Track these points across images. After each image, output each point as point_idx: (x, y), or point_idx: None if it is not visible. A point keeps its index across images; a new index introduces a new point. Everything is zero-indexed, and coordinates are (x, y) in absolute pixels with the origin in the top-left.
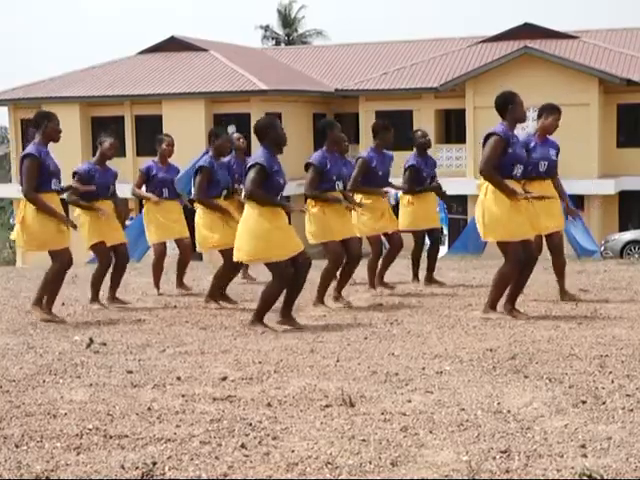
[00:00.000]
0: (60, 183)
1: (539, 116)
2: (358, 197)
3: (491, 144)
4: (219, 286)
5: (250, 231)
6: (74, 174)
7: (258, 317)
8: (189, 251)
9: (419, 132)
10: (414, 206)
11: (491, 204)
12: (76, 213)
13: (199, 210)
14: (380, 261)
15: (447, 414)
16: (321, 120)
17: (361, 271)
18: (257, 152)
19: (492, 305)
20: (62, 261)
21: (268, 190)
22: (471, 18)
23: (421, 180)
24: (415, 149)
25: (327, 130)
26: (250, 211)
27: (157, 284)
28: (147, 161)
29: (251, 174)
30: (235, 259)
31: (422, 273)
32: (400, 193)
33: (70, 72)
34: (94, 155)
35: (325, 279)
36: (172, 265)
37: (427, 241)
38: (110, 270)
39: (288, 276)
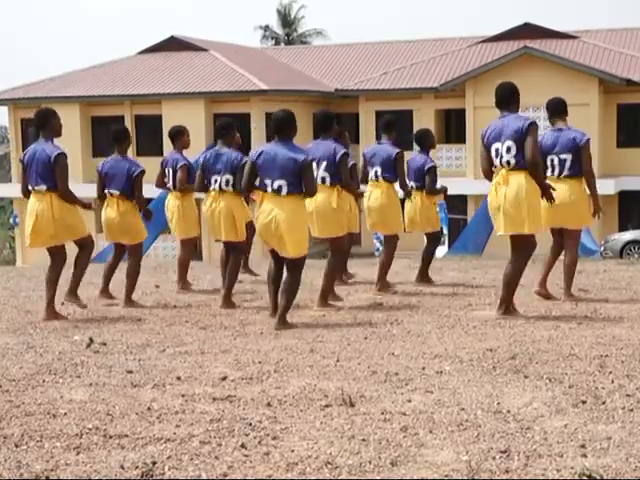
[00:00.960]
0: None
1: (562, 113)
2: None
3: (533, 134)
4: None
5: (304, 225)
6: (143, 172)
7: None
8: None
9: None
10: (434, 206)
11: (532, 197)
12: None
13: (233, 202)
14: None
15: (447, 414)
16: (321, 111)
17: (361, 270)
18: (295, 148)
19: (507, 302)
20: (91, 246)
21: None
22: (471, 18)
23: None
24: (425, 149)
25: (334, 123)
26: (299, 206)
27: (185, 278)
28: (174, 154)
29: (312, 172)
30: (295, 255)
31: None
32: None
33: (70, 72)
34: (94, 155)
35: (334, 273)
36: (171, 264)
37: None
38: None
39: None
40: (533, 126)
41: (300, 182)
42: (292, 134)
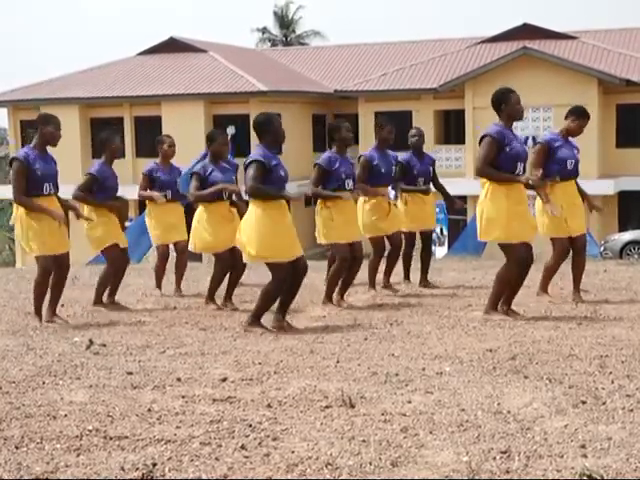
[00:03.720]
0: (55, 187)
1: (567, 117)
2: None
3: (484, 145)
4: (216, 288)
5: (255, 230)
6: (89, 176)
7: (256, 318)
8: (186, 254)
9: (413, 130)
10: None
11: (489, 205)
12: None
13: (198, 211)
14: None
15: (447, 415)
16: (329, 124)
17: (361, 272)
18: (254, 150)
19: (493, 306)
20: (44, 266)
21: (271, 184)
22: (470, 19)
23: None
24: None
25: (334, 134)
26: (254, 210)
27: (159, 285)
28: (149, 163)
29: (250, 171)
30: (245, 260)
31: (414, 275)
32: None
33: (69, 73)
34: (94, 156)
35: (332, 278)
36: (172, 267)
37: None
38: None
39: (288, 278)
40: (485, 139)
41: None
42: (267, 137)
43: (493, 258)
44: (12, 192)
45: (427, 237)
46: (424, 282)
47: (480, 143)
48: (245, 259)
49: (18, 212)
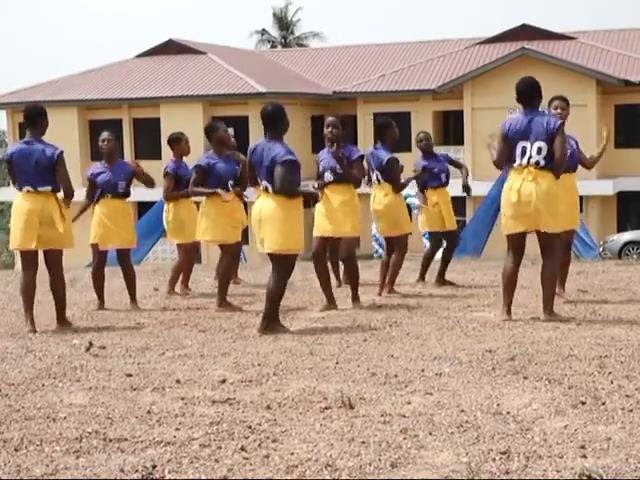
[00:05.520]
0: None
1: (549, 110)
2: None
3: (564, 137)
4: (228, 283)
5: (286, 221)
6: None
7: (274, 317)
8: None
9: (421, 134)
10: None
11: (565, 195)
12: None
13: (206, 204)
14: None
15: (447, 415)
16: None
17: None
18: (277, 146)
19: (552, 308)
20: (60, 268)
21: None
22: (469, 19)
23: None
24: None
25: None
26: (286, 202)
27: (186, 284)
28: (169, 162)
29: (286, 171)
30: (270, 251)
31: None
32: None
33: (68, 75)
34: (93, 159)
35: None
36: (167, 266)
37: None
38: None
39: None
40: (563, 126)
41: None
42: (278, 129)
43: (492, 259)
44: (67, 185)
45: (454, 236)
46: (441, 280)
47: (556, 133)
48: (266, 249)
49: (60, 205)
